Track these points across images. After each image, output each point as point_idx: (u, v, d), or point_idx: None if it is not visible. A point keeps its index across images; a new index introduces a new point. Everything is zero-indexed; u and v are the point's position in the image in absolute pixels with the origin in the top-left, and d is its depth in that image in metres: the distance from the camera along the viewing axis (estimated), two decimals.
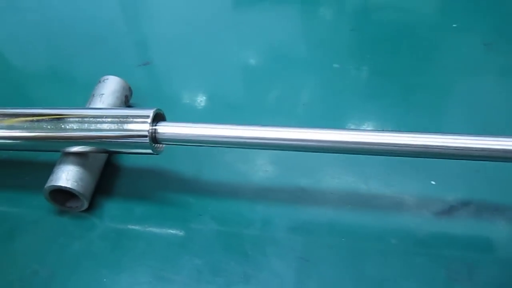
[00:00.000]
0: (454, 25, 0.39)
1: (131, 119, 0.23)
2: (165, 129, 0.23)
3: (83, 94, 0.31)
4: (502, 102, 0.31)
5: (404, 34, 0.39)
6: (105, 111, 0.25)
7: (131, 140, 0.23)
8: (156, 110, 0.24)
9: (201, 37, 0.41)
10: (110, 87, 0.30)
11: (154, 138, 0.23)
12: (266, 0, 0.47)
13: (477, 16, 0.40)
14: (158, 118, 0.24)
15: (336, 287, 0.21)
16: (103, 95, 0.29)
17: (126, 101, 0.31)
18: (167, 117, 0.25)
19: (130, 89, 0.32)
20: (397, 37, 0.39)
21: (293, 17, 0.44)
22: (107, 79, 0.31)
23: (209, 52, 0.39)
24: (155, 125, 0.23)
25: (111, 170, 0.28)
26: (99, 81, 0.31)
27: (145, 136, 0.23)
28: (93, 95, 0.30)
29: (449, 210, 0.24)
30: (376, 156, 0.23)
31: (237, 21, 0.44)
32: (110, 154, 0.28)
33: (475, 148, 0.21)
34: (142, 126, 0.23)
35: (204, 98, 0.34)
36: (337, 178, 0.26)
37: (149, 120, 0.23)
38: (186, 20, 0.44)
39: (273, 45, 0.39)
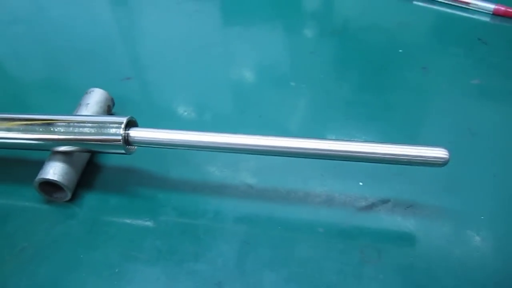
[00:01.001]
0: (400, 50, 0.45)
1: (108, 125, 0.28)
2: (135, 133, 0.28)
3: (72, 103, 0.36)
4: (433, 115, 0.37)
5: (355, 57, 0.45)
6: (87, 117, 0.30)
7: (107, 142, 0.28)
8: (129, 117, 0.29)
9: (185, 55, 0.46)
10: (94, 98, 0.35)
11: (127, 141, 0.28)
12: (250, 20, 0.52)
13: (417, 44, 0.46)
14: (130, 124, 0.29)
15: (269, 264, 0.26)
16: (88, 105, 0.34)
17: (109, 110, 0.36)
18: (143, 123, 0.30)
19: (112, 100, 0.37)
20: (349, 59, 0.44)
21: (262, 41, 0.49)
22: (93, 91, 0.36)
23: (190, 69, 0.44)
24: (128, 130, 0.28)
25: (92, 168, 0.33)
26: (86, 93, 0.36)
27: (119, 139, 0.28)
28: (80, 104, 0.35)
29: (370, 206, 0.29)
30: (315, 160, 0.28)
31: (221, 38, 0.49)
32: (91, 153, 0.33)
33: (384, 153, 0.26)
34: (116, 131, 0.28)
35: (182, 108, 0.39)
36: (280, 178, 0.31)
37: (122, 125, 0.28)
38: (174, 38, 0.49)
39: (256, 63, 0.45)
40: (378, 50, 0.45)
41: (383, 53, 0.45)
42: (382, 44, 0.46)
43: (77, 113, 0.34)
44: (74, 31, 0.51)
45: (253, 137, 0.27)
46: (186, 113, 0.39)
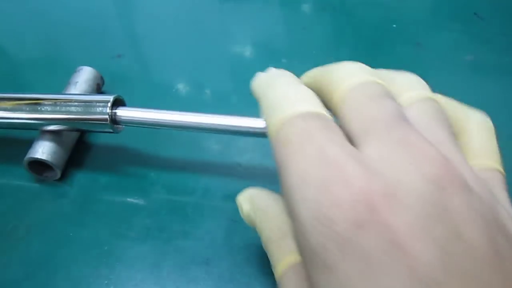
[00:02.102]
0: (394, 26, 0.44)
1: (95, 104, 0.28)
2: (122, 112, 0.28)
3: (63, 80, 0.35)
4: None
5: (348, 32, 0.44)
6: (74, 96, 0.30)
7: (94, 121, 0.28)
8: (115, 96, 0.29)
9: (180, 31, 0.46)
10: (83, 76, 0.35)
11: (114, 120, 0.28)
12: None
13: (412, 19, 0.46)
14: (118, 103, 0.29)
15: (256, 240, 0.27)
16: (77, 83, 0.34)
17: (98, 88, 0.36)
18: (135, 102, 0.30)
19: (102, 78, 0.36)
20: (342, 35, 0.44)
21: (268, 15, 0.49)
22: (82, 69, 0.35)
23: (185, 46, 0.44)
24: (115, 109, 0.28)
25: (82, 146, 0.33)
26: (75, 71, 0.35)
27: (105, 118, 0.28)
28: (69, 83, 0.34)
29: None
30: None
31: (213, 14, 0.49)
32: (80, 132, 0.33)
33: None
34: (103, 110, 0.28)
35: (174, 87, 0.39)
36: (269, 156, 0.31)
37: (109, 104, 0.28)
38: (168, 14, 0.49)
39: (252, 39, 0.44)
40: (371, 26, 0.45)
41: (376, 29, 0.44)
42: (376, 19, 0.46)
43: (66, 92, 0.33)
44: (66, 6, 0.50)
45: (241, 119, 0.27)
46: (179, 92, 0.38)
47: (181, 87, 0.39)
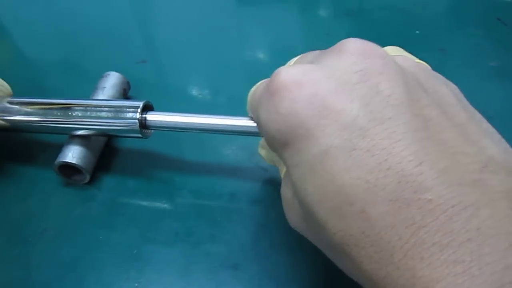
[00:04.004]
0: (417, 32, 0.44)
1: (125, 109, 0.29)
2: (152, 117, 0.29)
3: (88, 86, 0.36)
4: None
5: (371, 38, 0.44)
6: (104, 102, 0.30)
7: (124, 127, 0.29)
8: (145, 102, 0.29)
9: (200, 36, 0.46)
10: (110, 81, 0.35)
11: (143, 125, 0.29)
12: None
13: (435, 25, 0.45)
14: (147, 108, 0.29)
15: (284, 245, 0.27)
16: (105, 88, 0.35)
17: (125, 93, 0.36)
18: (158, 107, 0.30)
19: (128, 83, 0.37)
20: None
21: (285, 19, 0.49)
22: (109, 74, 0.36)
23: (206, 51, 0.44)
24: (144, 114, 0.29)
25: (110, 151, 0.33)
26: (102, 76, 0.36)
27: (136, 123, 0.28)
28: (97, 88, 0.35)
29: None
30: None
31: (235, 19, 0.49)
32: (108, 137, 0.33)
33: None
34: (133, 115, 0.28)
35: (197, 91, 0.39)
36: None
37: (139, 110, 0.28)
38: (188, 19, 0.49)
39: (269, 44, 0.45)
40: (394, 31, 0.45)
41: (399, 34, 0.44)
42: (399, 25, 0.46)
43: (94, 97, 0.34)
44: (88, 13, 0.51)
45: None
46: (200, 96, 0.39)
47: (202, 92, 0.39)
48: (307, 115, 0.16)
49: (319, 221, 0.16)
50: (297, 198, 0.18)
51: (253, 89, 0.24)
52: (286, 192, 0.20)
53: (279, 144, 0.17)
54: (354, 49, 0.17)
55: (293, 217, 0.20)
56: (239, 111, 0.28)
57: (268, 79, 0.19)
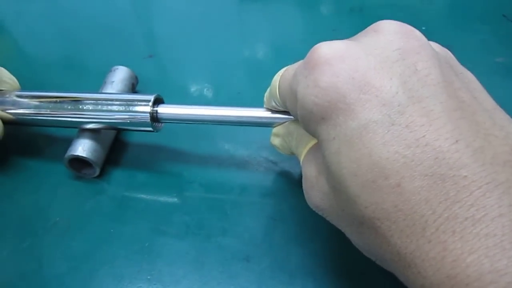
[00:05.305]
0: (423, 28, 0.44)
1: (136, 103, 0.29)
2: (163, 110, 0.29)
3: (96, 81, 0.36)
4: None
5: None
6: (115, 95, 0.30)
7: (135, 120, 0.29)
8: (156, 95, 0.29)
9: (204, 32, 0.46)
10: (119, 76, 0.35)
11: (155, 118, 0.29)
12: None
13: (441, 21, 0.46)
14: (157, 101, 0.29)
15: (296, 238, 0.27)
16: (113, 82, 0.35)
17: (133, 88, 0.37)
18: (166, 100, 0.30)
19: (136, 77, 0.37)
20: None
21: (288, 16, 0.49)
22: (117, 68, 0.36)
23: (210, 46, 0.44)
24: (156, 107, 0.29)
25: (119, 145, 0.33)
26: (110, 70, 0.36)
27: (147, 116, 0.28)
28: (105, 82, 0.35)
29: None
30: None
31: (241, 15, 0.49)
32: (118, 131, 0.33)
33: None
34: (144, 108, 0.28)
35: (202, 86, 0.39)
36: None
37: (150, 103, 0.28)
38: (193, 15, 0.49)
39: (272, 40, 0.45)
40: None
41: None
42: (405, 21, 0.45)
43: (103, 91, 0.34)
44: (93, 10, 0.51)
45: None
46: (206, 90, 0.39)
47: (207, 86, 0.39)
48: (348, 89, 0.16)
49: (351, 194, 0.16)
50: (327, 173, 0.18)
51: (280, 72, 0.24)
52: (309, 170, 0.20)
53: (315, 118, 0.17)
54: (391, 29, 0.18)
55: (315, 196, 0.20)
56: (246, 105, 0.28)
57: (301, 60, 0.19)
